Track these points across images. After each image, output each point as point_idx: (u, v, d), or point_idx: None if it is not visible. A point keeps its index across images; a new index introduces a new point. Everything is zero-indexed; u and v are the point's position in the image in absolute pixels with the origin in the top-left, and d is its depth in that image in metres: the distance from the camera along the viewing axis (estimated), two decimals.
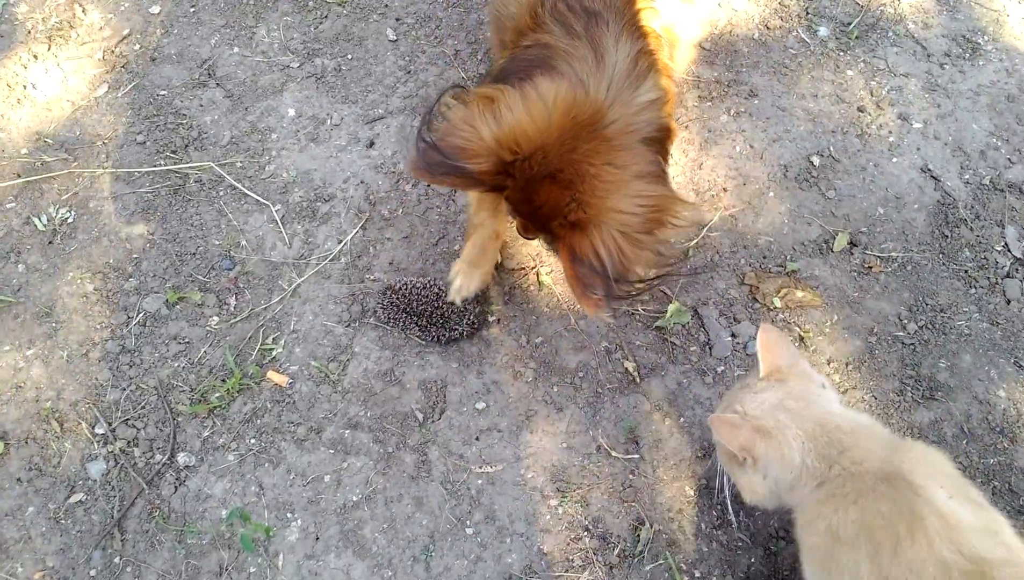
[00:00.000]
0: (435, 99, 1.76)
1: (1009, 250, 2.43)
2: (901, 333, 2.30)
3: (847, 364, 2.26)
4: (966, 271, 2.40)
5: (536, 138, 1.55)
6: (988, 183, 2.54)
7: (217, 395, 2.19)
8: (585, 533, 2.06)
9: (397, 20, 2.81)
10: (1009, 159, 2.58)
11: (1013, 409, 2.20)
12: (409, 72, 2.71)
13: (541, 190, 1.60)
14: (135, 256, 2.39)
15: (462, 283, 2.14)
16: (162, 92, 2.66)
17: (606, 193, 1.56)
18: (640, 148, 1.64)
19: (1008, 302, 2.35)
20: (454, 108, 1.62)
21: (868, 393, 2.22)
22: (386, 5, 2.83)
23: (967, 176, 2.55)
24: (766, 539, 2.04)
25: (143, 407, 2.19)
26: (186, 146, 2.56)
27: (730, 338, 2.29)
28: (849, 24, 2.81)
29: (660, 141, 1.75)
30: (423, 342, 2.27)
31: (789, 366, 1.73)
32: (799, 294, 2.33)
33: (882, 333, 2.30)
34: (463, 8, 2.82)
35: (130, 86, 2.67)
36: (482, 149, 1.56)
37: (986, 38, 2.81)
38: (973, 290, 2.37)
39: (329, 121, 2.61)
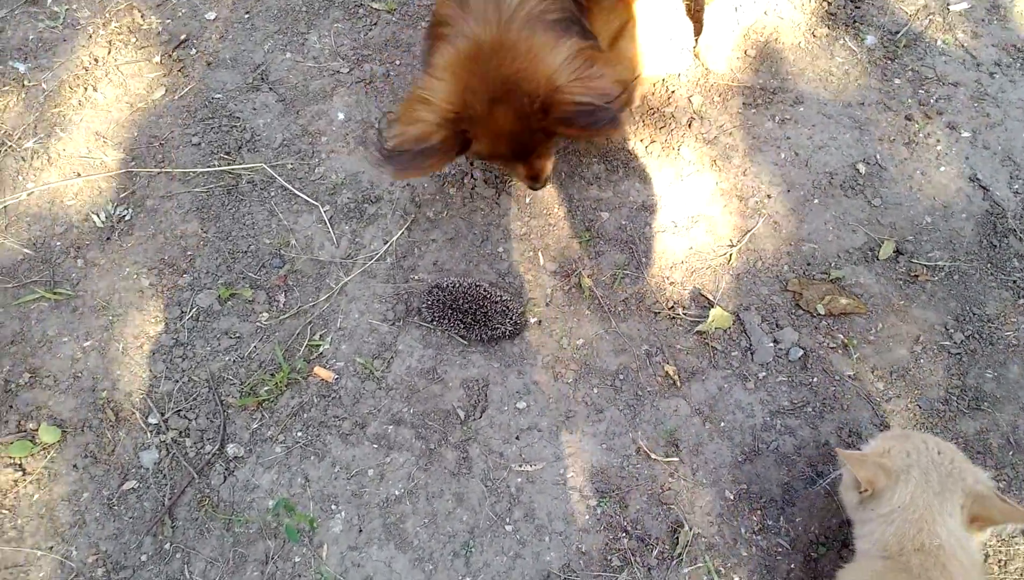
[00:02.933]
0: (376, 126, 2.34)
1: None
2: (947, 342, 2.28)
3: (891, 373, 2.24)
4: (1015, 281, 2.37)
5: (461, 89, 1.78)
6: None
7: (266, 389, 2.25)
8: (624, 534, 2.07)
9: None
10: None
11: None
12: None
13: (498, 117, 1.80)
14: (189, 253, 2.47)
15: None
16: (217, 96, 2.74)
17: (541, 69, 1.75)
18: (548, 28, 1.81)
19: None
20: (392, 119, 1.86)
21: (913, 402, 2.20)
22: None
23: (1016, 186, 2.51)
24: (807, 545, 2.04)
25: (195, 399, 2.26)
26: (239, 148, 2.64)
27: (772, 344, 2.29)
28: (897, 33, 2.79)
29: (572, 21, 1.89)
30: (466, 341, 2.31)
31: (988, 518, 1.66)
32: (843, 301, 2.32)
33: (928, 342, 2.28)
34: None
35: (186, 89, 2.76)
36: (431, 125, 1.80)
37: None
38: (1022, 301, 2.34)
39: (377, 126, 2.67)
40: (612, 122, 1.80)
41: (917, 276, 2.37)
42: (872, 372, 2.25)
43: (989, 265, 2.39)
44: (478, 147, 1.89)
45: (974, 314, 2.32)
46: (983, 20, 2.82)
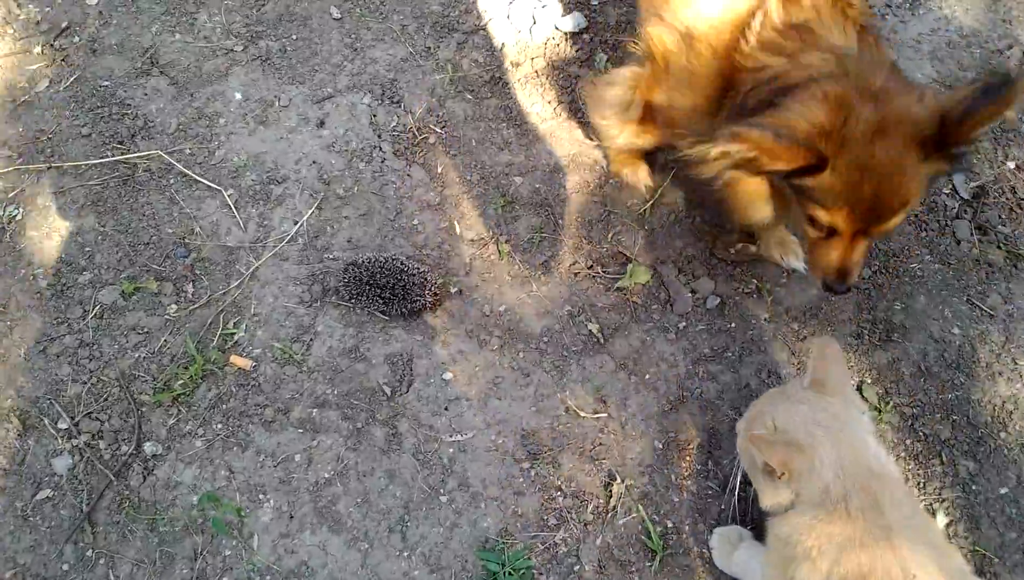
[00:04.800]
0: None
1: (957, 193, 2.48)
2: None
3: (805, 312, 2.30)
4: (916, 215, 2.44)
5: (839, 111, 1.56)
6: None
7: (180, 383, 2.17)
8: (558, 493, 2.08)
9: None
10: None
11: (968, 345, 2.25)
12: (355, 50, 2.69)
13: (879, 150, 1.55)
14: (87, 249, 2.35)
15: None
16: (105, 83, 2.61)
17: (929, 103, 1.59)
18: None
19: (958, 242, 2.40)
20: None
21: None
22: None
23: None
24: (735, 486, 2.07)
25: (105, 399, 2.16)
26: (132, 136, 2.52)
27: (690, 294, 2.31)
28: None
29: None
30: (387, 317, 2.27)
31: (836, 385, 1.71)
32: (753, 248, 2.36)
33: None
34: None
35: (72, 79, 2.62)
36: (798, 130, 1.56)
37: None
38: (924, 233, 2.42)
39: (277, 103, 2.59)
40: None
41: None
42: (786, 313, 2.30)
43: None
44: (832, 179, 1.61)
45: (880, 249, 2.39)
46: None
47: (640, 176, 2.44)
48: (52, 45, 2.69)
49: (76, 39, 2.71)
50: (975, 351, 2.24)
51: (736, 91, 1.78)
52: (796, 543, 1.58)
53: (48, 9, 2.77)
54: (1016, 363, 2.22)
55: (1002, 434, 2.13)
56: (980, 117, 1.56)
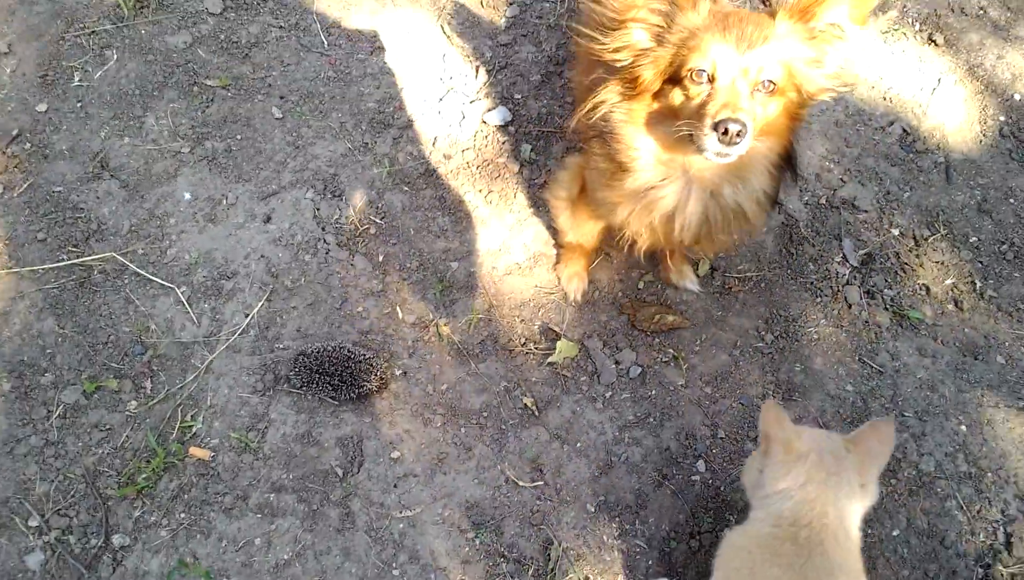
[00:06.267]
0: None
1: (847, 260, 2.78)
2: (760, 344, 2.61)
3: (716, 377, 2.55)
4: (811, 282, 2.73)
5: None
6: (825, 202, 2.89)
7: (144, 476, 2.31)
8: (502, 559, 2.27)
9: (281, 98, 2.98)
10: (841, 179, 2.95)
11: (860, 401, 2.53)
12: (297, 147, 2.88)
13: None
14: (48, 351, 2.48)
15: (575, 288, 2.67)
16: (57, 188, 2.76)
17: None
18: None
19: (849, 306, 2.69)
20: None
21: (736, 401, 2.51)
22: (269, 84, 3.00)
23: (806, 198, 2.89)
24: (660, 542, 2.30)
25: (73, 496, 2.29)
26: (87, 238, 2.67)
27: (614, 365, 2.55)
28: None
29: None
30: (336, 402, 2.45)
31: (866, 455, 1.86)
32: (670, 318, 2.61)
33: (744, 346, 2.61)
34: (343, 82, 3.02)
35: (25, 185, 2.76)
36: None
37: None
38: (819, 299, 2.71)
39: (225, 201, 2.76)
40: None
41: (730, 288, 2.69)
42: (700, 379, 2.55)
43: (789, 271, 2.75)
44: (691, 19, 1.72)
45: (780, 316, 2.66)
46: None
47: (574, 286, 2.66)
48: (4, 152, 2.82)
49: (27, 145, 2.84)
50: (867, 406, 2.52)
51: None
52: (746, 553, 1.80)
53: None
54: (903, 415, 2.50)
55: (892, 481, 2.40)
56: None
